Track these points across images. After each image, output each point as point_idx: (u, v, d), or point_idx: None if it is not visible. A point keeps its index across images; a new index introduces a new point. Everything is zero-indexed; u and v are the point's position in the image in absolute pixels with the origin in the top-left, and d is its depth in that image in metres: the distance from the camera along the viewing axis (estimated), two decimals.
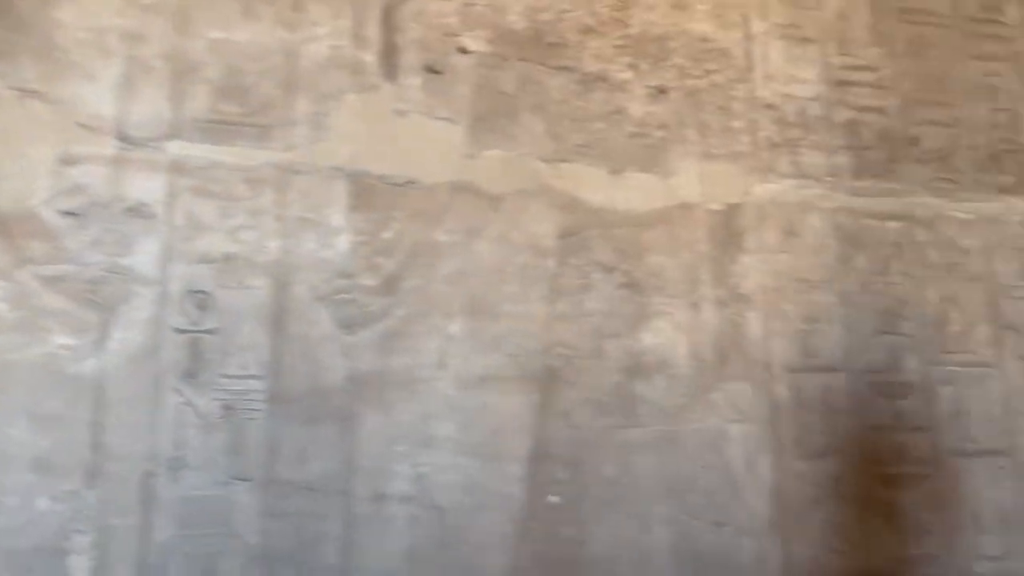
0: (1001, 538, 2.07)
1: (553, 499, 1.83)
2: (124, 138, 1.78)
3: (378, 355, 1.81)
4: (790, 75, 2.20)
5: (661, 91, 2.11)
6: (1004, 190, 2.28)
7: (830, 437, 2.01)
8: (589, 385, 1.91)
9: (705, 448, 1.94)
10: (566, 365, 1.91)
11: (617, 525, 1.86)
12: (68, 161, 1.74)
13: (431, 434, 1.80)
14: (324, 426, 1.75)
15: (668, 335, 1.99)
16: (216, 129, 1.83)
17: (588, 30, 2.08)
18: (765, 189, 2.12)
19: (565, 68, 2.05)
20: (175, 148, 1.80)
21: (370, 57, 1.95)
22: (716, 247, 2.06)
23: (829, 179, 2.17)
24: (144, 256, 1.74)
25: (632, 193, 2.04)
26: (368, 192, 1.87)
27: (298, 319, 1.79)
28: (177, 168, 1.79)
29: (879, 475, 2.01)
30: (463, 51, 1.99)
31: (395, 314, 1.83)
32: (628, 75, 2.10)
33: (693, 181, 2.08)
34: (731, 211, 2.09)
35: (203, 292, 1.76)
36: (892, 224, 2.19)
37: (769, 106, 2.17)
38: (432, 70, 1.96)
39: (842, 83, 2.23)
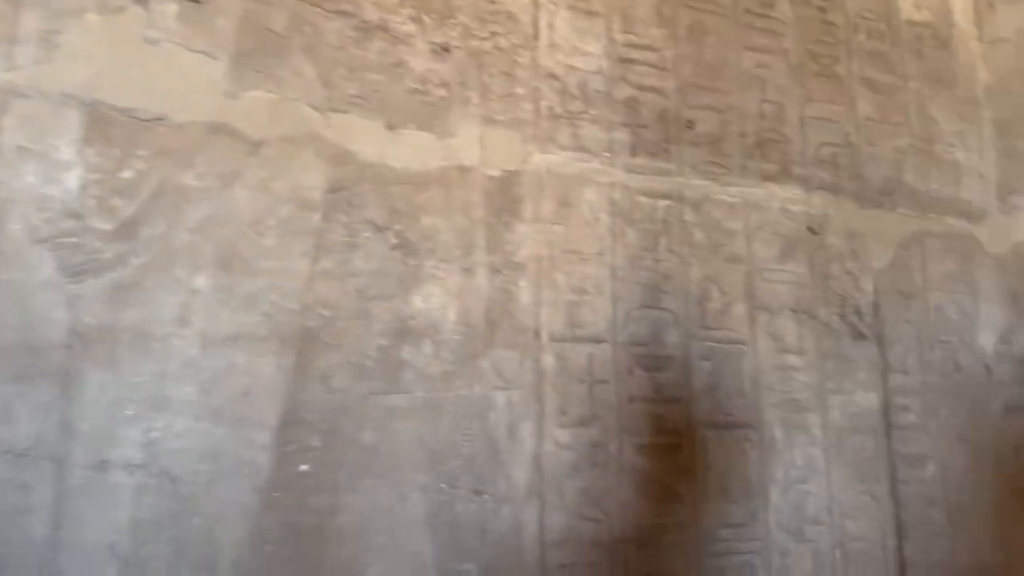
0: (744, 506, 2.18)
1: (304, 467, 1.73)
2: None
3: (108, 308, 1.62)
4: (575, 47, 2.20)
5: (444, 49, 2.04)
6: (767, 178, 2.40)
7: (592, 407, 2.03)
8: (351, 348, 1.82)
9: (469, 415, 1.90)
10: (327, 326, 1.80)
11: (372, 494, 1.78)
12: None
13: (167, 396, 1.64)
14: (38, 384, 1.54)
15: (438, 300, 1.93)
16: None
17: None
18: (544, 159, 2.11)
19: (343, 13, 1.93)
20: None
21: None
22: (492, 213, 2.03)
23: (606, 154, 2.19)
24: None
25: (409, 151, 1.95)
26: (106, 124, 1.67)
27: (12, 262, 1.56)
28: None
29: (636, 445, 2.06)
30: None
31: (131, 263, 1.65)
32: (410, 28, 2.01)
33: (473, 144, 2.03)
34: (509, 178, 2.06)
35: None
36: (663, 203, 2.24)
37: (552, 76, 2.15)
38: None
39: (624, 60, 2.26)
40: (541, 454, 1.95)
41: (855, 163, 2.56)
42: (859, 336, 2.45)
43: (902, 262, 2.56)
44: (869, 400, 2.42)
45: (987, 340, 2.62)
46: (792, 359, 2.34)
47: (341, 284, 1.83)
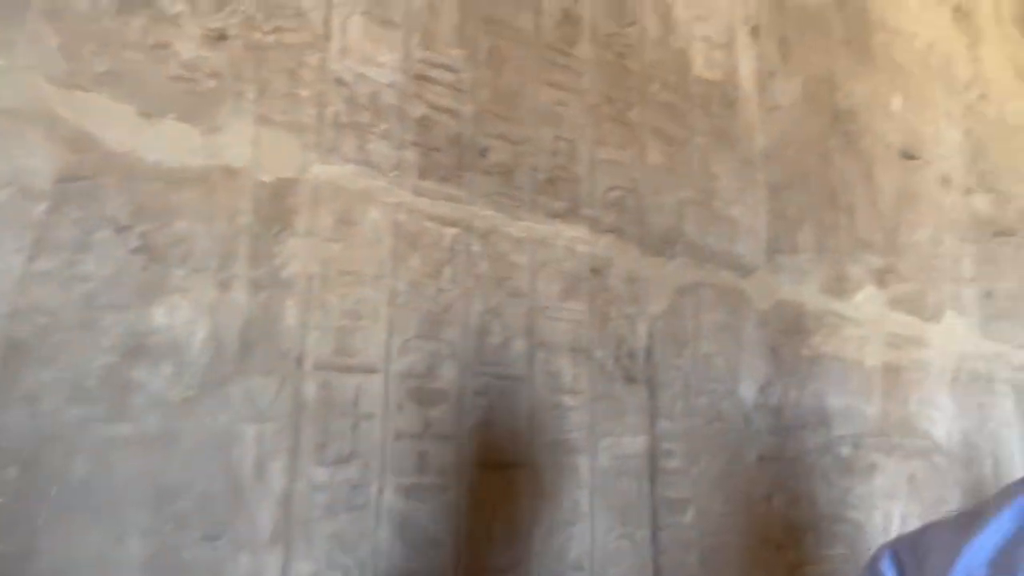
0: (508, 551, 2.10)
1: None
2: None
3: None
4: (368, 56, 2.06)
5: (220, 37, 1.83)
6: (555, 215, 2.37)
7: (354, 443, 1.87)
8: (69, 365, 1.55)
9: (209, 449, 1.68)
10: (40, 337, 1.53)
11: (80, 536, 1.52)
12: None
13: None
14: None
15: (185, 315, 1.70)
16: None
17: None
18: (325, 170, 1.95)
19: None
20: None
21: None
22: (260, 223, 1.83)
23: (394, 173, 2.06)
24: None
25: (165, 143, 1.72)
26: None
27: None
28: None
29: (398, 485, 1.92)
30: None
31: None
32: (182, 8, 1.78)
33: (243, 144, 1.83)
34: (283, 186, 1.87)
35: None
36: (450, 230, 2.14)
37: (341, 82, 2.00)
38: None
39: (420, 77, 2.15)
40: (292, 494, 1.77)
41: (640, 209, 2.59)
42: (631, 380, 2.46)
43: (677, 310, 2.61)
44: (636, 444, 2.43)
45: (748, 390, 2.74)
46: (567, 399, 2.30)
47: (64, 289, 1.56)
